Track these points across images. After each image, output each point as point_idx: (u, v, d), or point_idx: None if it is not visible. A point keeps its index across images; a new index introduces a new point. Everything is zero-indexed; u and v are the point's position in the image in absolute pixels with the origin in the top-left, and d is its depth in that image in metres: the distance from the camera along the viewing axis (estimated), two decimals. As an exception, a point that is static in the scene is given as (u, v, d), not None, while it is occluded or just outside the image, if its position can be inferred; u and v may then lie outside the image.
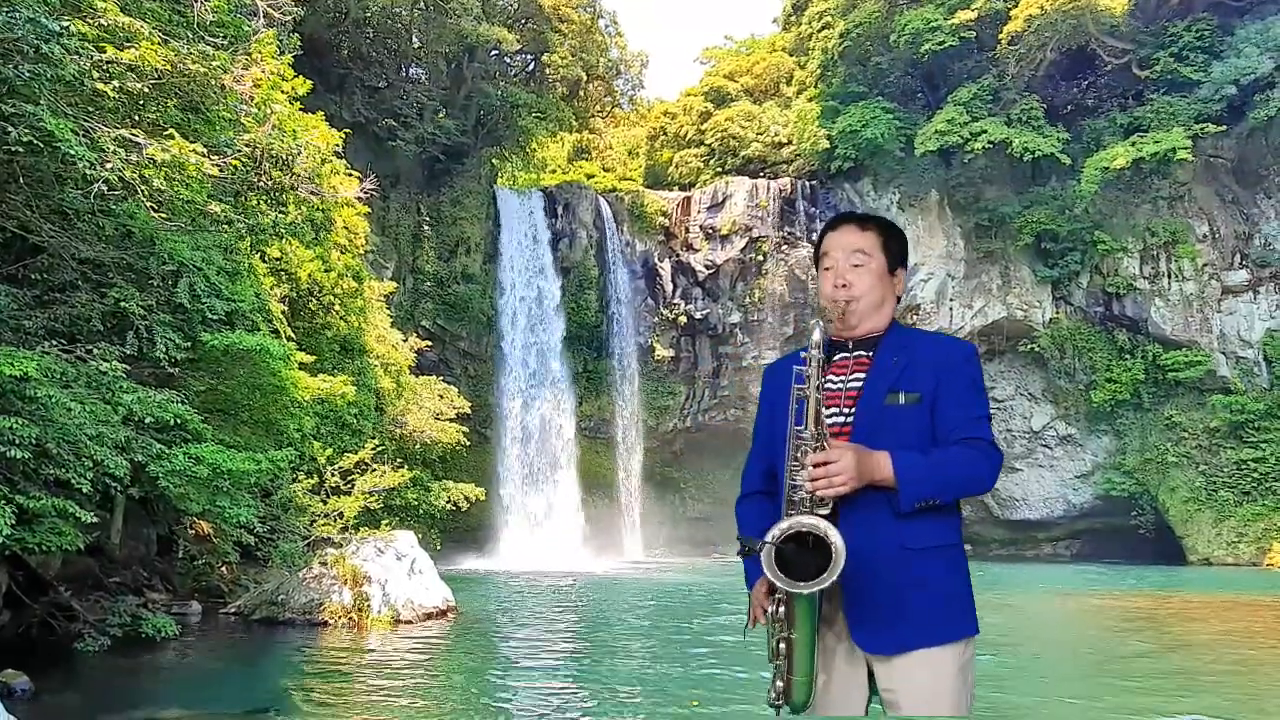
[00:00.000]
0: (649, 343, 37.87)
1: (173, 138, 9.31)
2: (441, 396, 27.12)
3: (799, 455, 2.34)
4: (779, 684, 2.34)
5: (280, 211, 12.92)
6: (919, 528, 2.38)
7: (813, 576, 2.19)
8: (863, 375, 2.49)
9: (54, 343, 9.35)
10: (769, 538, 2.25)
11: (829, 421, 2.43)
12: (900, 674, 2.39)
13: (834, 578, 2.17)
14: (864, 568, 2.27)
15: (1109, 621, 17.20)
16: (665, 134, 45.84)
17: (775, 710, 2.39)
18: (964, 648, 2.44)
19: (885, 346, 2.53)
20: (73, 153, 8.17)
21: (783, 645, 2.31)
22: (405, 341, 27.10)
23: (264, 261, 16.26)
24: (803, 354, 2.41)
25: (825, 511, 2.29)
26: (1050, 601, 20.91)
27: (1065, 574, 29.77)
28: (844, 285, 2.53)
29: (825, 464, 2.28)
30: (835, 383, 2.50)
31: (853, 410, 2.45)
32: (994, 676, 10.01)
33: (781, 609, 2.30)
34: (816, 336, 2.40)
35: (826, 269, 2.60)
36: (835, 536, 2.19)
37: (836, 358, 2.55)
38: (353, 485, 15.95)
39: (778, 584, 2.22)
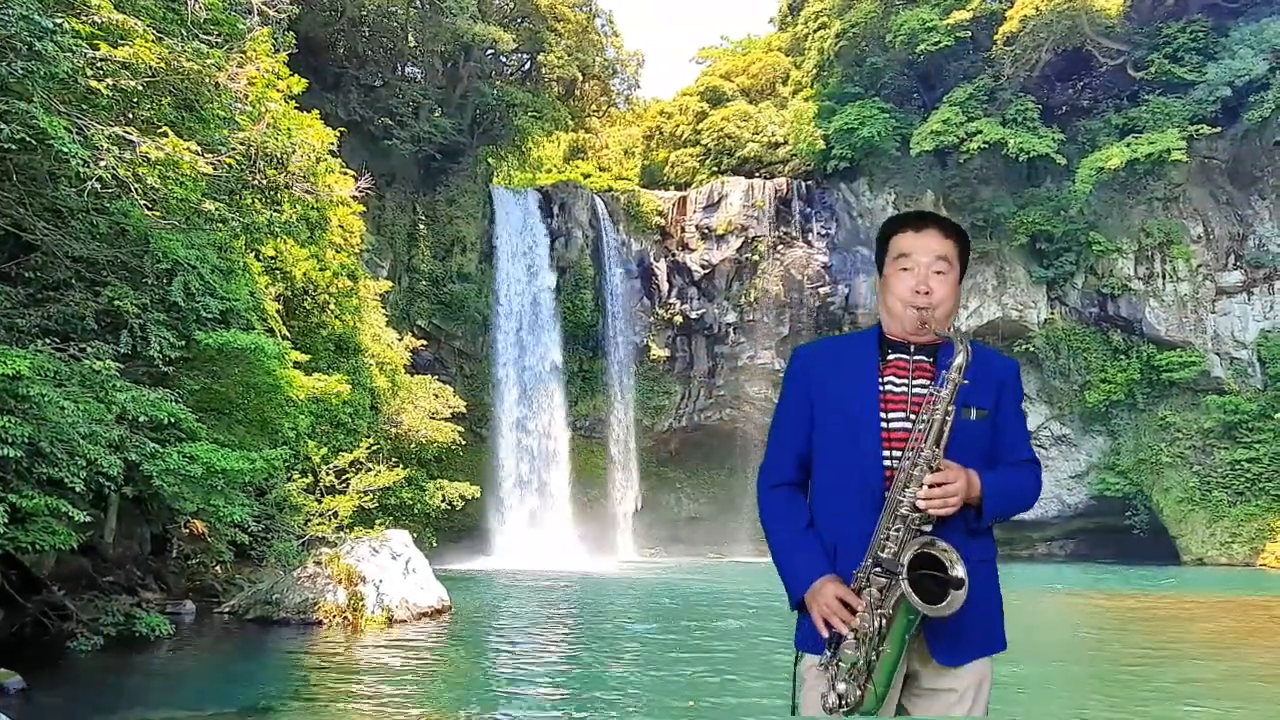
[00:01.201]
0: (644, 342, 37.86)
1: (167, 135, 9.28)
2: (437, 395, 27.08)
3: (914, 471, 2.35)
4: (853, 692, 2.34)
5: (275, 210, 12.89)
6: (979, 542, 2.46)
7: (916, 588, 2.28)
8: (925, 382, 2.49)
9: (47, 341, 9.32)
10: (907, 559, 2.29)
11: (894, 426, 2.45)
12: (951, 679, 2.46)
13: (959, 605, 2.25)
14: None
15: (1104, 621, 17.24)
16: (661, 134, 45.85)
17: (830, 712, 2.39)
18: (993, 659, 2.54)
19: (947, 356, 2.49)
20: (66, 150, 8.13)
21: (874, 656, 2.33)
22: (400, 340, 27.07)
23: (259, 260, 16.21)
24: (944, 373, 2.41)
25: (929, 528, 2.34)
26: (1046, 601, 20.94)
27: (1060, 574, 29.82)
28: (927, 292, 2.50)
29: (943, 484, 2.32)
30: (898, 386, 2.50)
31: (919, 417, 2.45)
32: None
33: (882, 623, 2.32)
34: (960, 360, 2.39)
35: (905, 269, 2.54)
36: (960, 566, 2.27)
37: (893, 358, 2.54)
38: (347, 484, 15.90)
39: (918, 608, 2.26)
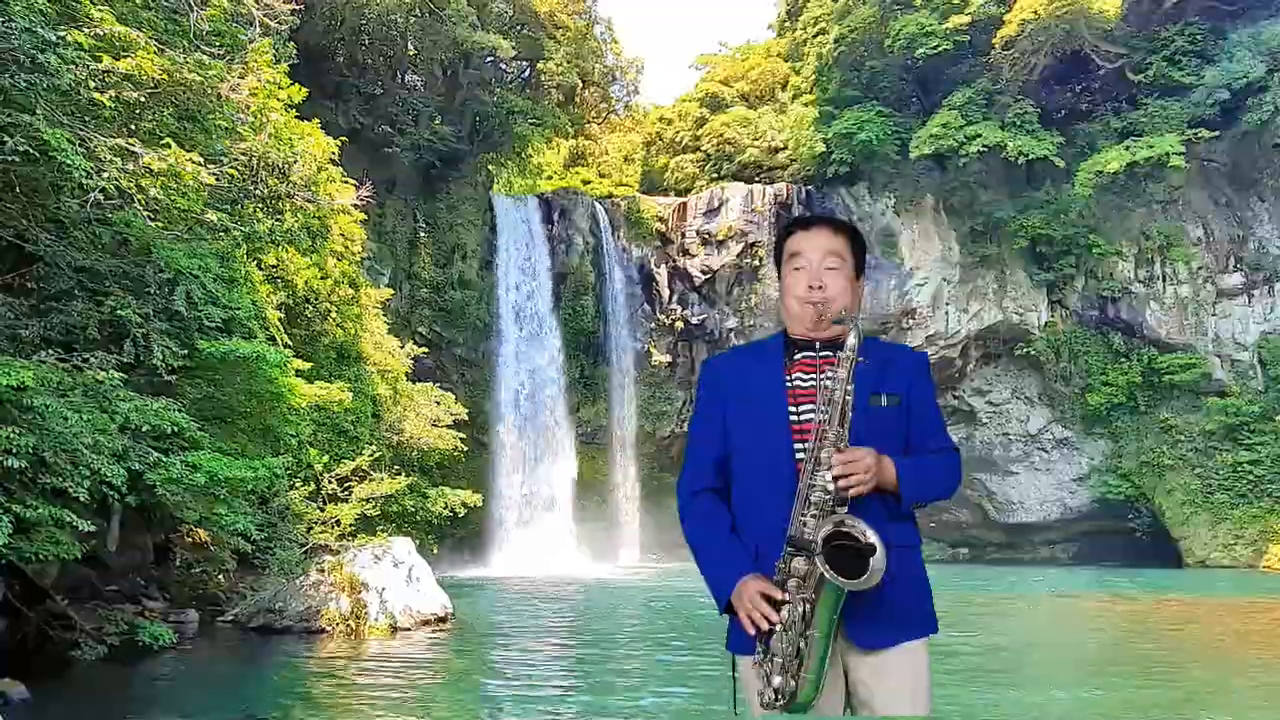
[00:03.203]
0: (645, 348, 37.89)
1: (169, 146, 9.33)
2: (438, 403, 27.06)
3: (820, 454, 2.37)
4: (789, 683, 2.32)
5: (277, 219, 12.96)
6: (899, 528, 2.48)
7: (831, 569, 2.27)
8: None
9: (51, 352, 9.35)
10: (821, 536, 2.29)
11: (805, 419, 2.48)
12: (887, 666, 2.47)
13: (880, 574, 2.25)
14: None
15: (1106, 623, 17.23)
16: (661, 140, 45.92)
17: (768, 709, 2.37)
18: (928, 642, 2.57)
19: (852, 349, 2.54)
20: (69, 162, 8.18)
21: (803, 644, 2.31)
22: (402, 348, 27.08)
23: (260, 269, 16.26)
24: (839, 354, 2.44)
25: (844, 510, 2.34)
26: (1049, 603, 20.93)
27: (1063, 576, 29.79)
28: (820, 286, 2.56)
29: (852, 462, 2.34)
30: (806, 380, 2.54)
31: (820, 402, 2.48)
32: (994, 677, 10.03)
33: (806, 608, 2.31)
34: (852, 340, 2.43)
35: (798, 268, 2.61)
36: (875, 536, 2.26)
37: (800, 357, 2.59)
38: (350, 492, 15.94)
39: (837, 582, 2.26)
